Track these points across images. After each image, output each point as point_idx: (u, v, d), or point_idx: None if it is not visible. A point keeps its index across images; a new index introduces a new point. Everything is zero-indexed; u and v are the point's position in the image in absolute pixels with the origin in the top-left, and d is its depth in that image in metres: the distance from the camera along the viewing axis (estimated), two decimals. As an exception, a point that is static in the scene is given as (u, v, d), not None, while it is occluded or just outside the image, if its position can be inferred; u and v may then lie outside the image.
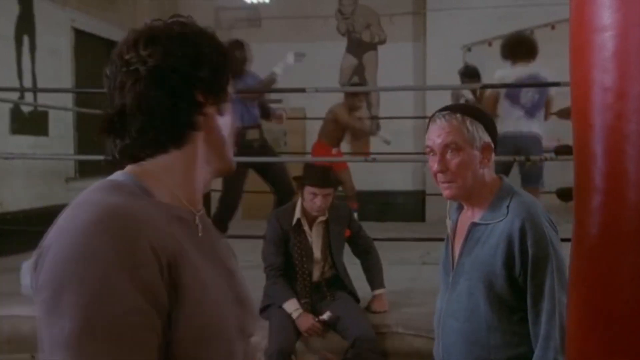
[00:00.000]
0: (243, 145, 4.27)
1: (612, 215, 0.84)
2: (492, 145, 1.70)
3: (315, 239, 3.19)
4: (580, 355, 0.90)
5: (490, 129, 1.70)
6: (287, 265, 3.14)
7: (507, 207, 1.65)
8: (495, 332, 1.63)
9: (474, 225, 1.70)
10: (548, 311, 1.57)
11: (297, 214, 3.14)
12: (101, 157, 6.15)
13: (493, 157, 1.72)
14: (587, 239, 0.88)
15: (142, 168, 0.95)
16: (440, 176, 1.68)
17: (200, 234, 0.97)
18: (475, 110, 1.74)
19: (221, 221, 4.29)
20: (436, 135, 1.67)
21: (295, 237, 3.13)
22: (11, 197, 5.36)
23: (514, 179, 4.68)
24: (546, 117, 4.59)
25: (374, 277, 3.29)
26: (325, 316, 3.01)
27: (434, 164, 1.68)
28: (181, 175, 0.96)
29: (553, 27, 6.17)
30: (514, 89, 4.35)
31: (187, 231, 0.94)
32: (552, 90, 4.45)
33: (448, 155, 1.66)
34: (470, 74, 5.37)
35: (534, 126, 4.43)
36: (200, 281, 0.88)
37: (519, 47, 4.51)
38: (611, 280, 0.84)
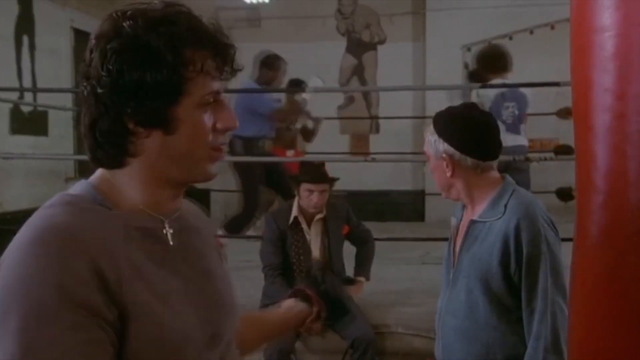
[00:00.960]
0: (258, 154, 4.52)
1: (612, 216, 0.84)
2: (456, 156, 1.72)
3: (313, 237, 3.19)
4: (583, 355, 0.90)
5: (458, 140, 1.73)
6: (285, 264, 3.13)
7: (505, 205, 1.67)
8: (493, 330, 1.64)
9: (472, 222, 1.72)
10: (540, 311, 1.58)
11: (294, 212, 3.14)
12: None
13: (467, 164, 1.73)
14: (588, 240, 0.88)
15: (104, 178, 0.93)
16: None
17: (170, 242, 0.94)
18: (445, 121, 1.78)
19: (236, 223, 4.44)
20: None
21: (292, 236, 3.13)
22: (11, 197, 5.36)
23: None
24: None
25: (361, 265, 3.32)
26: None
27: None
28: (137, 190, 0.92)
29: (552, 27, 6.17)
30: (495, 106, 4.39)
31: (149, 241, 0.91)
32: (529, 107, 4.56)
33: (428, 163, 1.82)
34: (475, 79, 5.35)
35: (520, 139, 4.51)
36: (156, 296, 0.86)
37: (496, 61, 4.59)
38: (613, 281, 0.84)
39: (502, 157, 1.85)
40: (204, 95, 0.89)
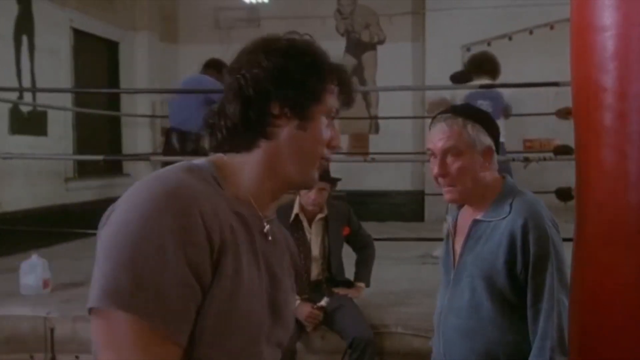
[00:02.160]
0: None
1: (613, 216, 0.84)
2: (494, 148, 1.70)
3: (314, 237, 3.18)
4: (582, 355, 0.90)
5: (493, 131, 1.71)
6: None
7: (510, 205, 1.66)
8: (497, 329, 1.64)
9: (476, 222, 1.70)
10: (547, 310, 1.58)
11: (295, 209, 3.14)
12: (100, 157, 6.17)
13: (495, 158, 1.71)
14: (588, 240, 0.88)
15: (222, 160, 1.03)
16: (440, 180, 1.69)
17: (269, 237, 1.04)
18: (477, 112, 1.73)
19: None
20: (437, 138, 1.68)
21: (292, 234, 3.12)
22: (10, 197, 5.36)
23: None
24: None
25: (361, 271, 3.31)
26: (324, 302, 3.00)
27: (434, 167, 1.69)
28: (250, 177, 1.02)
29: (552, 27, 6.18)
30: (467, 101, 4.50)
31: (244, 229, 0.98)
32: (507, 100, 4.68)
33: (448, 160, 1.66)
34: (462, 79, 5.41)
35: None
36: (240, 276, 0.93)
37: (489, 63, 4.75)
38: (612, 281, 0.84)
39: (500, 157, 1.82)
40: (331, 108, 1.05)
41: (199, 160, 1.03)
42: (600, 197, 0.85)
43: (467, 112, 1.72)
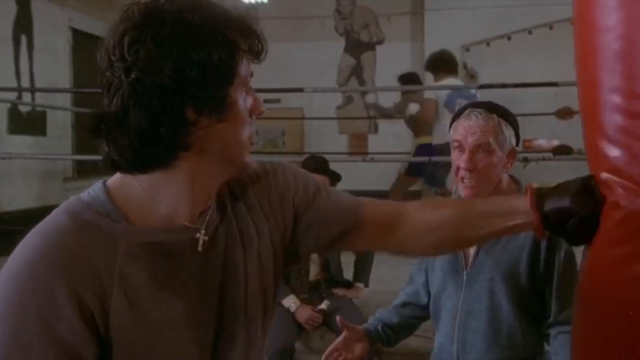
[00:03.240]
0: None
1: (623, 215, 0.83)
2: (517, 150, 1.68)
3: None
4: (586, 351, 0.90)
5: (518, 134, 1.69)
6: None
7: None
8: (516, 332, 1.64)
9: None
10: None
11: None
12: (99, 157, 6.14)
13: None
14: (599, 240, 0.87)
15: (125, 181, 0.88)
16: (465, 174, 1.63)
17: (199, 248, 0.91)
18: (508, 112, 1.69)
19: None
20: (470, 132, 1.62)
21: None
22: (9, 197, 5.35)
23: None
24: None
25: (360, 272, 3.30)
26: (324, 305, 3.00)
27: (460, 160, 1.64)
28: (172, 193, 0.88)
29: (551, 27, 6.17)
30: (448, 101, 4.72)
31: (159, 257, 0.87)
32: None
33: (479, 155, 1.61)
34: (409, 80, 5.47)
35: None
36: (148, 325, 0.85)
37: (449, 63, 5.02)
38: (625, 281, 0.83)
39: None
40: (245, 76, 0.88)
41: (92, 190, 0.89)
42: (612, 198, 0.84)
43: (499, 109, 1.66)
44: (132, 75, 0.79)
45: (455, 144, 1.66)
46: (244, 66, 0.87)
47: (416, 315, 1.93)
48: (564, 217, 0.91)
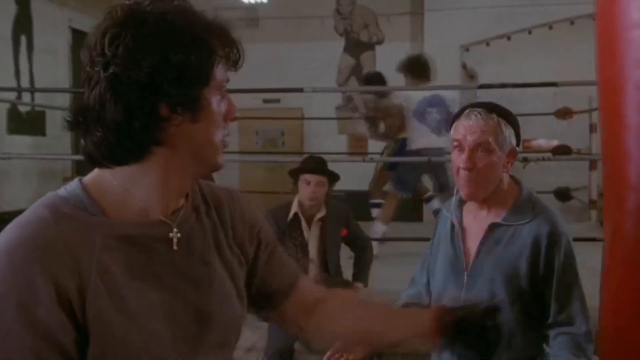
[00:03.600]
0: None
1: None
2: (517, 150, 1.68)
3: (312, 238, 3.16)
4: (616, 357, 0.89)
5: (518, 134, 1.68)
6: None
7: (532, 210, 1.66)
8: (516, 333, 1.64)
9: (494, 225, 1.68)
10: (577, 309, 1.59)
11: (294, 208, 3.11)
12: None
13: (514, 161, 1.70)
14: (624, 242, 0.86)
15: (101, 177, 0.92)
16: (464, 173, 1.64)
17: (175, 247, 0.94)
18: (508, 112, 1.68)
19: None
20: (470, 131, 1.62)
21: (290, 234, 3.10)
22: (8, 197, 5.35)
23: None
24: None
25: (359, 271, 3.29)
26: None
27: (459, 160, 1.64)
28: (146, 187, 0.91)
29: (551, 27, 6.18)
30: (419, 110, 4.77)
31: (135, 250, 0.90)
32: (451, 108, 4.87)
33: (478, 154, 1.62)
34: (373, 80, 5.47)
35: (442, 142, 4.81)
36: (125, 313, 0.86)
37: (422, 68, 4.94)
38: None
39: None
40: (221, 81, 0.91)
41: (69, 186, 0.92)
42: (636, 197, 0.83)
43: (499, 109, 1.66)
44: (110, 70, 0.83)
45: (455, 143, 1.66)
46: (220, 71, 0.90)
47: None
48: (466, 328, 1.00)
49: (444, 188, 4.94)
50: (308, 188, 3.04)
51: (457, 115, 1.69)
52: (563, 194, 6.34)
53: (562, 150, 5.23)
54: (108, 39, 0.83)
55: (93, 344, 0.82)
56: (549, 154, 4.85)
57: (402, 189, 5.06)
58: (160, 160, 0.90)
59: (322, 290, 1.17)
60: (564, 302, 1.61)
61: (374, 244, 4.76)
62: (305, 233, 3.14)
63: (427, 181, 5.20)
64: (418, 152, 4.79)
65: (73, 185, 0.92)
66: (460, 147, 1.65)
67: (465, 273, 1.71)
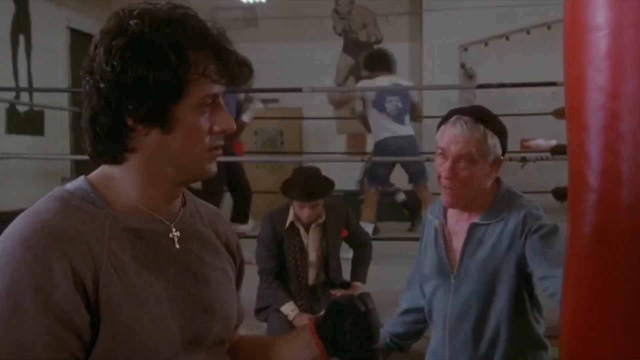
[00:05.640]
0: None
1: (606, 215, 0.84)
2: (502, 159, 1.67)
3: (311, 242, 3.12)
4: (575, 354, 0.90)
5: (505, 141, 1.67)
6: (282, 267, 3.08)
7: (508, 207, 1.65)
8: (505, 332, 1.64)
9: (473, 225, 1.68)
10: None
11: (290, 217, 3.05)
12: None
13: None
14: (581, 239, 0.88)
15: (102, 174, 0.96)
16: (446, 182, 1.63)
17: (177, 245, 0.97)
18: (496, 120, 1.67)
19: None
20: (453, 141, 1.61)
21: (289, 240, 3.06)
22: (7, 197, 5.35)
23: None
24: (414, 119, 5.20)
25: (358, 270, 3.26)
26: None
27: (442, 168, 1.63)
28: (133, 188, 0.95)
29: (549, 27, 6.17)
30: (379, 99, 4.86)
31: (139, 242, 0.92)
32: (416, 97, 5.12)
33: (460, 165, 1.60)
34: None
35: (407, 129, 4.97)
36: (134, 298, 0.88)
37: (381, 61, 5.05)
38: (605, 280, 0.84)
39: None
40: (203, 97, 0.91)
41: (75, 182, 0.96)
42: (593, 197, 0.85)
43: (486, 118, 1.64)
44: (87, 76, 0.89)
45: (439, 150, 1.66)
46: (203, 87, 0.90)
47: (420, 319, 1.91)
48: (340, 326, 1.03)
49: (414, 178, 5.05)
50: (302, 212, 2.98)
51: (444, 120, 1.68)
52: (562, 194, 6.34)
53: (560, 150, 5.23)
54: (92, 45, 0.90)
55: (103, 329, 0.85)
56: (548, 154, 4.85)
57: (375, 181, 5.14)
58: (137, 165, 0.93)
59: (237, 336, 1.18)
60: (555, 259, 1.54)
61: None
62: (304, 238, 3.10)
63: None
64: (384, 143, 4.85)
65: (79, 181, 0.96)
66: (444, 155, 1.64)
67: (452, 276, 1.71)
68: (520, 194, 1.71)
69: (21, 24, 5.67)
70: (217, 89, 0.93)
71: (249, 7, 7.65)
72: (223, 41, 0.93)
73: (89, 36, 6.62)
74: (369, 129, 5.32)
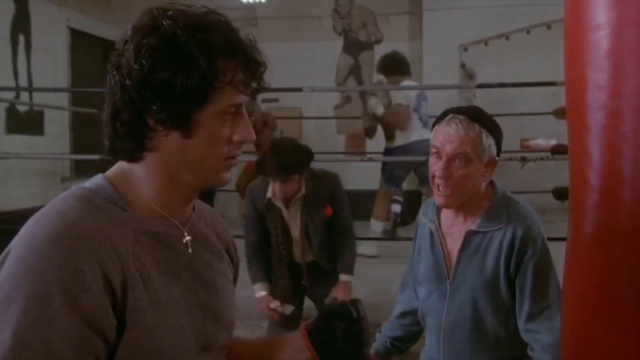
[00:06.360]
0: None
1: (607, 215, 0.84)
2: (497, 160, 1.65)
3: (292, 218, 2.96)
4: (577, 355, 0.90)
5: (500, 142, 1.65)
6: (268, 243, 2.98)
7: (507, 215, 1.63)
8: (501, 340, 1.64)
9: (470, 233, 1.66)
10: (556, 310, 1.54)
11: (269, 193, 2.90)
12: (97, 157, 6.14)
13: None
14: (583, 238, 0.88)
15: (121, 174, 0.95)
16: (440, 182, 1.61)
17: (190, 250, 0.98)
18: (490, 122, 1.65)
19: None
20: (448, 140, 1.59)
21: (269, 216, 2.95)
22: (7, 197, 5.34)
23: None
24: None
25: (342, 262, 2.99)
26: (286, 310, 2.91)
27: (436, 167, 1.61)
28: (150, 189, 0.94)
29: (549, 27, 6.17)
30: (417, 104, 4.82)
31: (158, 246, 0.93)
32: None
33: (455, 164, 1.59)
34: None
35: (429, 133, 4.83)
36: (157, 304, 0.88)
37: (403, 64, 5.06)
38: (607, 279, 0.84)
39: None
40: (227, 105, 0.91)
41: (94, 180, 0.95)
42: (595, 196, 0.85)
43: (481, 118, 1.62)
44: (113, 70, 0.89)
45: (433, 149, 1.64)
46: (227, 96, 0.90)
47: (418, 321, 1.90)
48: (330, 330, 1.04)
49: (425, 180, 4.95)
50: (274, 186, 2.82)
51: (438, 120, 1.66)
52: (562, 194, 6.34)
53: (561, 150, 5.22)
54: (122, 41, 0.89)
55: (127, 333, 0.85)
56: (548, 154, 4.85)
57: (393, 183, 5.11)
58: (154, 165, 0.93)
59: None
60: (541, 300, 1.58)
61: (373, 243, 4.77)
62: (285, 214, 2.95)
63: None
64: (413, 145, 4.84)
65: (98, 179, 0.95)
66: (438, 154, 1.62)
67: (447, 282, 1.69)
68: (516, 200, 1.69)
69: (21, 24, 5.66)
70: (242, 98, 0.92)
71: (249, 6, 7.64)
72: (253, 52, 0.93)
73: (89, 36, 6.63)
74: (370, 136, 5.33)
